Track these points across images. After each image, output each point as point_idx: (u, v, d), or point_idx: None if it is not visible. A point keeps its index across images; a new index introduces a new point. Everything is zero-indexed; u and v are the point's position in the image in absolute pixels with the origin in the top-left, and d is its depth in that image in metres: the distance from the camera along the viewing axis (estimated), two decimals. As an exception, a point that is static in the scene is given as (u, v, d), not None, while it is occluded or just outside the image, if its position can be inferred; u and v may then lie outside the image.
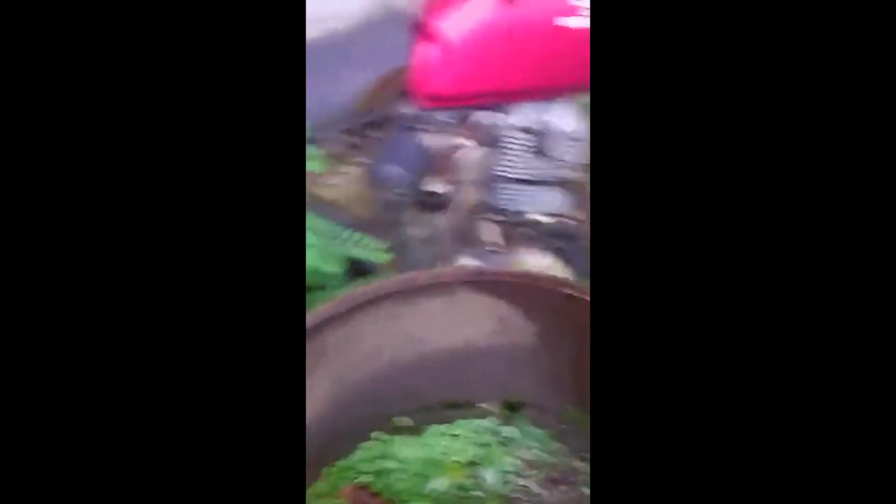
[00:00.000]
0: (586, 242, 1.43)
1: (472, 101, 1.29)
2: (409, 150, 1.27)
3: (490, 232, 1.32)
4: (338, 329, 1.07)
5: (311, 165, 1.15)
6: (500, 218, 1.33)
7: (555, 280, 1.09)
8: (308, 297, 1.25)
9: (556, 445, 1.21)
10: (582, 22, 1.27)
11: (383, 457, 1.14)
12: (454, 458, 1.16)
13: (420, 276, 1.05)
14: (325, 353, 1.07)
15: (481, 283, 1.06)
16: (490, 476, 1.13)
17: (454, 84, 1.26)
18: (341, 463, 1.11)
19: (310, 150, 1.15)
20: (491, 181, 1.33)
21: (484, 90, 1.28)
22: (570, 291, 1.05)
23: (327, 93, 1.22)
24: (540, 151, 1.34)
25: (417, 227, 1.32)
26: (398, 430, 1.14)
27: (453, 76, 1.25)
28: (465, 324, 1.12)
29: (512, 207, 1.34)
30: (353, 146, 1.29)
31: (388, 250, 1.19)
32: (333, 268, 1.18)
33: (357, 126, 1.27)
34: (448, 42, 1.24)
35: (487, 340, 1.13)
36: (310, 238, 1.17)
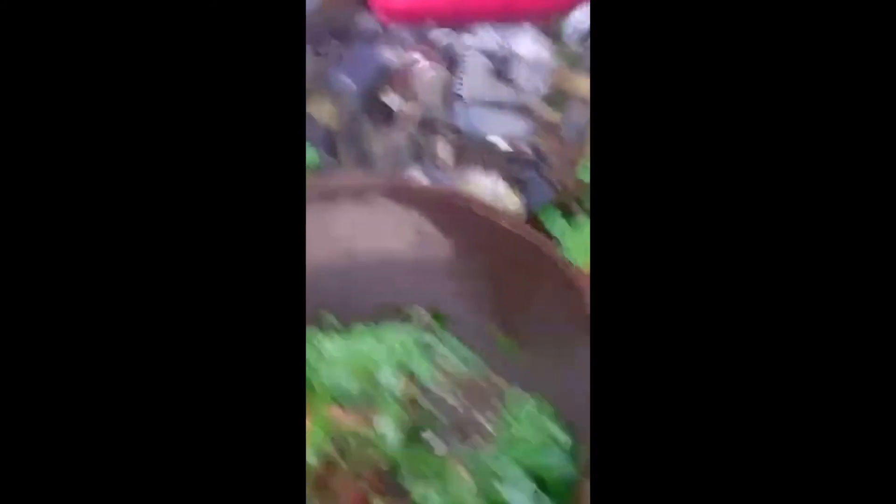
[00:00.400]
0: (545, 170, 1.44)
1: (431, 18, 1.30)
2: (365, 64, 1.29)
3: (442, 150, 1.34)
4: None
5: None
6: (454, 137, 1.35)
7: (469, 198, 1.11)
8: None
9: (479, 363, 1.25)
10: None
11: (309, 352, 1.19)
12: (370, 362, 1.20)
13: (335, 179, 1.08)
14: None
15: (397, 193, 1.09)
16: (397, 382, 1.17)
17: (408, 3, 1.27)
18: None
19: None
20: (447, 100, 1.34)
21: (443, 8, 1.29)
22: (483, 211, 1.08)
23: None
24: (501, 76, 1.35)
25: (373, 140, 1.34)
26: (325, 329, 1.19)
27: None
28: (386, 233, 1.15)
29: (467, 128, 1.35)
30: (311, 56, 1.31)
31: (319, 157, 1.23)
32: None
33: (313, 36, 1.29)
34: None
35: (409, 252, 1.16)
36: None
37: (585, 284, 0.99)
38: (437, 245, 1.15)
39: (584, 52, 1.41)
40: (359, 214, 1.11)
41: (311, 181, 1.16)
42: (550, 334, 1.09)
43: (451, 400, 1.21)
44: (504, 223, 1.08)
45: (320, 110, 1.30)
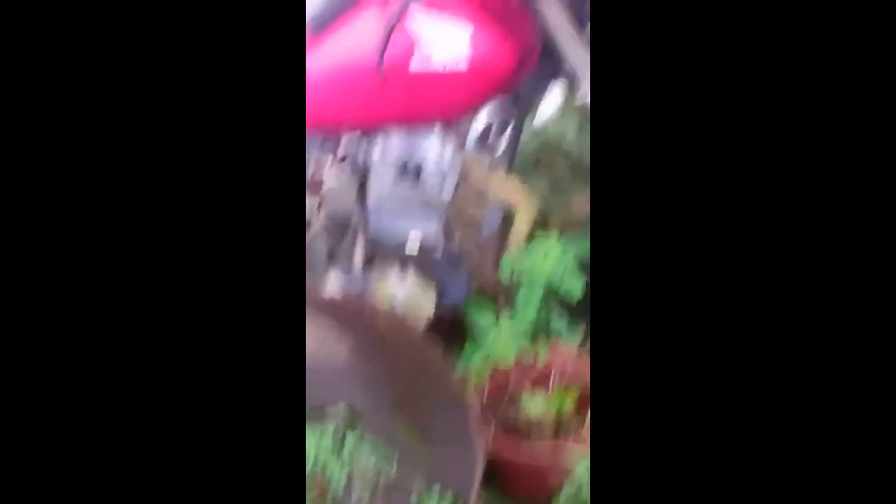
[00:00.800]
0: (457, 270, 1.47)
1: (340, 130, 1.35)
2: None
3: (356, 253, 1.37)
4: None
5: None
6: (367, 240, 1.38)
7: (370, 303, 1.14)
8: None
9: (392, 459, 1.25)
10: (458, 66, 1.32)
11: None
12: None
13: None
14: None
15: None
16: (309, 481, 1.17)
17: (317, 114, 1.32)
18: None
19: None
20: (360, 204, 1.38)
21: (349, 121, 1.34)
22: (383, 317, 1.11)
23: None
24: (411, 180, 1.39)
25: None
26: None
27: (316, 107, 1.31)
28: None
29: (380, 230, 1.39)
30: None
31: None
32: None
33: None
34: (309, 76, 1.31)
35: (313, 354, 1.18)
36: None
37: (471, 398, 1.02)
38: (340, 348, 1.17)
39: (493, 152, 1.46)
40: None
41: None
42: (446, 434, 1.10)
43: (360, 496, 1.21)
44: (403, 329, 1.11)
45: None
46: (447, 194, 1.42)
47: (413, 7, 1.24)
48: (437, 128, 1.39)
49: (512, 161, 1.54)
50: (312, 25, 1.24)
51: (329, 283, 1.34)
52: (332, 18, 1.26)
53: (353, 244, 1.38)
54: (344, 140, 1.36)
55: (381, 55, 1.24)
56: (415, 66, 1.29)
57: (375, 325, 1.09)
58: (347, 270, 1.37)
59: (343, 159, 1.35)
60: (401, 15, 1.23)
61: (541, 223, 1.57)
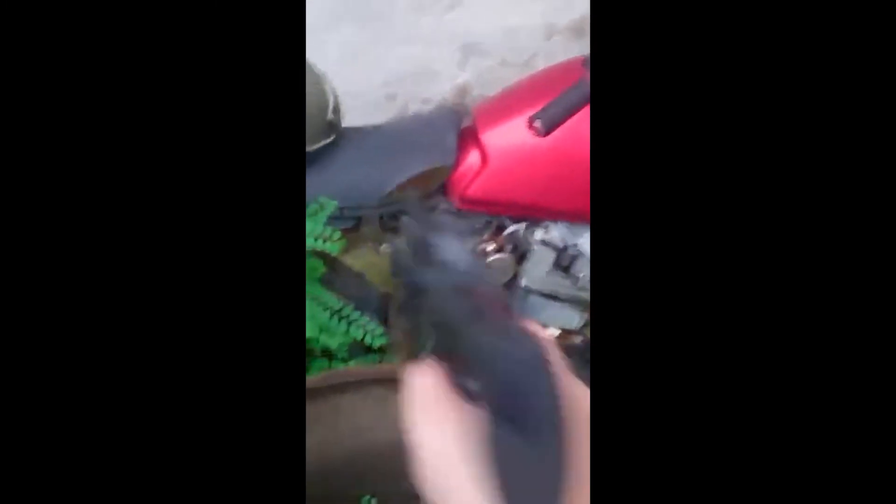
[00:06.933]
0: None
1: (505, 211, 1.35)
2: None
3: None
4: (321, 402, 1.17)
5: (332, 248, 1.25)
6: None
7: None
8: (311, 364, 1.37)
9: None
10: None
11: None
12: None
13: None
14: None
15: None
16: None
17: (490, 191, 1.32)
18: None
19: (331, 232, 1.25)
20: (512, 289, 1.39)
21: (518, 203, 1.34)
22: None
23: (367, 176, 1.34)
24: (565, 269, 1.37)
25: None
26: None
27: (490, 184, 1.32)
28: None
29: (528, 317, 1.37)
30: (384, 229, 1.39)
31: (386, 334, 1.28)
32: (334, 342, 1.30)
33: (389, 212, 1.37)
34: (490, 151, 1.32)
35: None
36: (313, 309, 1.29)
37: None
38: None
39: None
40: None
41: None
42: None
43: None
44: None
45: (387, 281, 1.38)
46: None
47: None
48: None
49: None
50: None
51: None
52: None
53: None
54: (507, 223, 1.36)
55: (550, 121, 1.15)
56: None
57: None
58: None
59: (501, 241, 1.35)
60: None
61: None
